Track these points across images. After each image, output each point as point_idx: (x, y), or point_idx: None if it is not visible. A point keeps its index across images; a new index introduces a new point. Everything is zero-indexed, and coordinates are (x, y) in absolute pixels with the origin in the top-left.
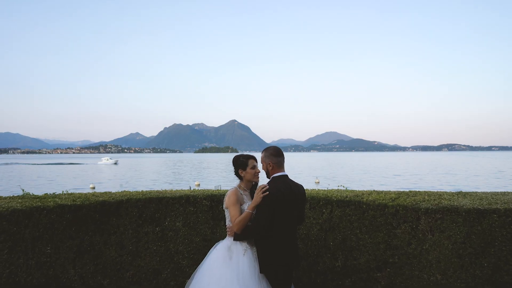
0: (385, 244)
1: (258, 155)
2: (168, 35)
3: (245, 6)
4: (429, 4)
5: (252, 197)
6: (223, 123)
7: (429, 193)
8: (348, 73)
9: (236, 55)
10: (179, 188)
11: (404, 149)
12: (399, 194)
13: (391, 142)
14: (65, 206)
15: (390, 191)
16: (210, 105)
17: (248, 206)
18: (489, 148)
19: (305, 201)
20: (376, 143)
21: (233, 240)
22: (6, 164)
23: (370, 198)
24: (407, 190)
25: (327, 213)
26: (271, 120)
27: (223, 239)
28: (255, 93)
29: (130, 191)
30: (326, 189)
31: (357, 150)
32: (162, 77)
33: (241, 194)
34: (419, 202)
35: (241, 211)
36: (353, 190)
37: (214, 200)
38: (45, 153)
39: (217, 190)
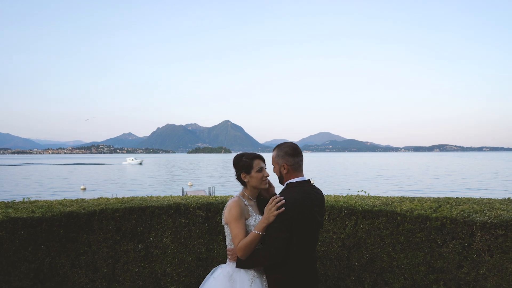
0: (426, 266)
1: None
2: (161, 35)
3: (239, 6)
4: (422, 6)
5: (259, 208)
6: (216, 123)
7: (474, 201)
8: (341, 74)
9: (230, 56)
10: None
11: (396, 149)
12: (438, 202)
13: (383, 142)
14: (19, 220)
15: (423, 197)
16: (203, 105)
17: (254, 220)
18: (480, 149)
19: (324, 210)
20: (368, 144)
21: (236, 267)
22: (29, 164)
23: (404, 208)
24: (443, 197)
25: (351, 226)
26: (264, 120)
27: (221, 259)
28: (248, 94)
29: (107, 198)
30: (345, 195)
31: (350, 150)
32: (155, 77)
33: (245, 205)
34: (471, 214)
35: (247, 229)
36: (378, 197)
37: (210, 209)
38: (36, 153)
39: (214, 197)
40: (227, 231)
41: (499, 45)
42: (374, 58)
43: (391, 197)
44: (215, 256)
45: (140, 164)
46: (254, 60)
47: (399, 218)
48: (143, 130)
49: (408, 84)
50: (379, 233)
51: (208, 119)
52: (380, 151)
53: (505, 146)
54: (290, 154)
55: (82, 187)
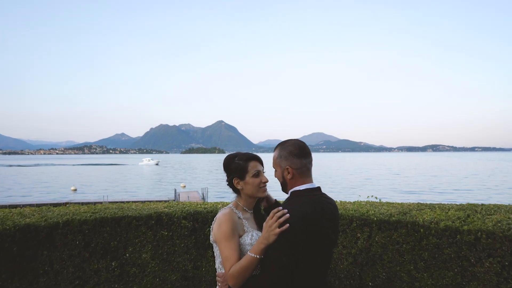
0: None
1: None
2: (154, 36)
3: (235, 7)
4: (418, 4)
5: (257, 223)
6: (210, 123)
7: (506, 209)
8: (335, 74)
9: (223, 56)
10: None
11: (389, 149)
12: (464, 210)
13: (377, 143)
14: None
15: (444, 204)
16: (197, 105)
17: (251, 238)
18: (473, 149)
19: (338, 224)
20: (362, 144)
21: None
22: (37, 165)
23: (426, 218)
24: (465, 203)
25: (364, 239)
26: (258, 120)
27: (211, 278)
28: (242, 94)
29: (78, 206)
30: (354, 202)
31: (343, 150)
32: (149, 77)
33: (239, 218)
34: (511, 226)
35: (241, 248)
36: (391, 203)
37: (197, 219)
38: (28, 154)
39: (203, 204)
40: (216, 251)
41: (493, 45)
42: (367, 59)
43: (407, 203)
44: (204, 275)
45: (157, 164)
46: (248, 60)
47: (422, 230)
48: (136, 130)
49: (401, 85)
50: (397, 248)
51: (201, 119)
52: (373, 151)
53: (497, 146)
54: (296, 155)
55: (72, 187)
